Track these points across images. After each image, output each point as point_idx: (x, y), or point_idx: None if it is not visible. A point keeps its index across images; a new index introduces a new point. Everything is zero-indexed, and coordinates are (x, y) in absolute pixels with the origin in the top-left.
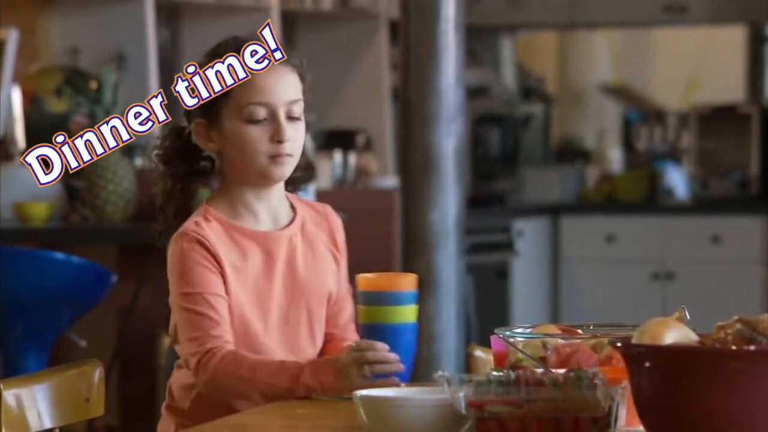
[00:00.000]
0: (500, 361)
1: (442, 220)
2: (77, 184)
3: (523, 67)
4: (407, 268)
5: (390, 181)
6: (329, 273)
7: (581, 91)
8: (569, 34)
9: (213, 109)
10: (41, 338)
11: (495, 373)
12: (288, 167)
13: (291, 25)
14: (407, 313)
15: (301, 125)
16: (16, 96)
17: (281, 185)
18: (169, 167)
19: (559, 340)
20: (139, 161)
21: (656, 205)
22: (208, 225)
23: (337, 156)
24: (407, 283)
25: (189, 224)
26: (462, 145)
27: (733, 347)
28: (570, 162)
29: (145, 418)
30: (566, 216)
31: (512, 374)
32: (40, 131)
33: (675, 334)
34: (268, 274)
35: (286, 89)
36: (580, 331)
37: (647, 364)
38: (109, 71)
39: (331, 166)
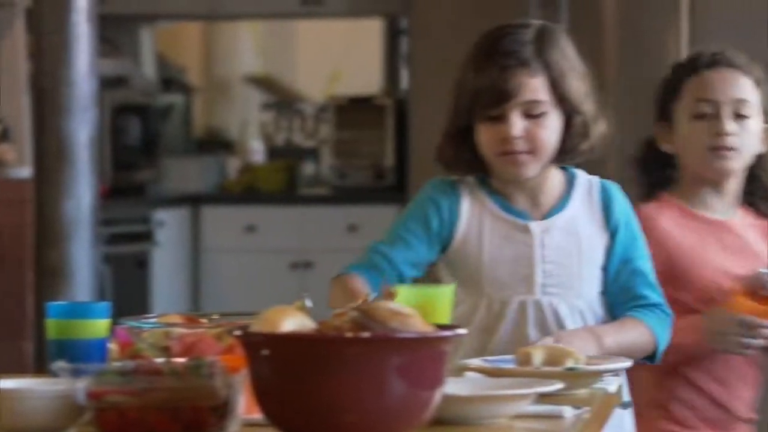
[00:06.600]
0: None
1: (76, 209)
2: None
3: (165, 58)
4: (41, 259)
5: (26, 170)
6: None
7: (226, 81)
8: (214, 26)
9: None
10: None
11: (115, 363)
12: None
13: None
14: None
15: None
16: None
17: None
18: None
19: (183, 330)
20: None
21: (295, 195)
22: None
23: None
24: None
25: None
26: (97, 135)
27: (348, 334)
28: (212, 152)
29: None
30: (207, 206)
31: (131, 364)
32: None
33: (293, 321)
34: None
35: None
36: (204, 320)
37: (265, 352)
38: None
39: None
